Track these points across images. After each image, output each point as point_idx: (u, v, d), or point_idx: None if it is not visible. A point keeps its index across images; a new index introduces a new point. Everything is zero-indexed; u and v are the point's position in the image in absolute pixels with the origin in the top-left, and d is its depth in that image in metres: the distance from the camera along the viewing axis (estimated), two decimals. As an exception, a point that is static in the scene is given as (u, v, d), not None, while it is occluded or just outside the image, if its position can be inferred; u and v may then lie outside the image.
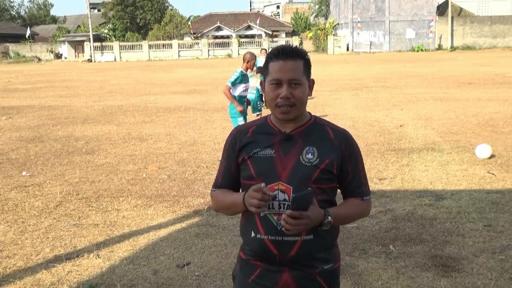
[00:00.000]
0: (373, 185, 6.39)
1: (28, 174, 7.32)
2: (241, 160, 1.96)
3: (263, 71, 1.99)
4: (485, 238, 4.60)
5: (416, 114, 11.86)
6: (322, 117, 2.08)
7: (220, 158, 2.12)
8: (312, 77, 1.99)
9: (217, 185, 2.08)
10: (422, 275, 3.92)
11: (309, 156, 1.89)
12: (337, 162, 1.92)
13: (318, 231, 1.87)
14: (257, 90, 9.45)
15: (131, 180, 6.93)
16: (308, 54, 2.00)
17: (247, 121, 2.20)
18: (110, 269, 4.19)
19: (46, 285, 3.94)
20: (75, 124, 11.87)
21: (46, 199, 6.13)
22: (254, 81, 9.52)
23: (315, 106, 13.97)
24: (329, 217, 1.85)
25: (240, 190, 2.04)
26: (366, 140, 9.08)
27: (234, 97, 7.75)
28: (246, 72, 7.98)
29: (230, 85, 7.72)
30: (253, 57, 7.95)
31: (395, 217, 5.17)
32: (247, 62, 7.87)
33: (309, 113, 2.00)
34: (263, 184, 1.79)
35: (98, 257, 4.43)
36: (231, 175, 2.02)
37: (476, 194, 5.85)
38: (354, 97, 15.76)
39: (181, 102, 15.84)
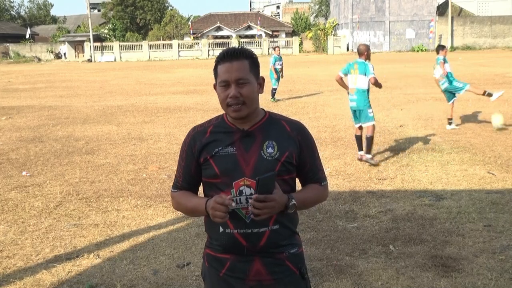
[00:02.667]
0: (373, 185, 6.39)
1: (28, 174, 7.32)
2: (203, 160, 2.01)
3: (214, 75, 2.05)
4: (485, 238, 4.60)
5: (416, 114, 11.86)
6: (276, 112, 2.15)
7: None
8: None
9: (177, 186, 2.13)
10: (422, 275, 3.92)
11: (270, 150, 1.97)
12: (295, 153, 2.01)
13: (282, 219, 1.97)
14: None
15: (131, 180, 6.93)
16: (255, 53, 2.06)
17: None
18: (110, 269, 4.19)
19: (46, 285, 3.94)
20: (75, 124, 11.87)
21: (46, 199, 6.13)
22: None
23: (315, 106, 13.98)
24: (293, 200, 1.95)
25: (202, 188, 2.11)
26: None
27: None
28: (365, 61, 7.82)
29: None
30: (367, 48, 7.98)
31: (395, 217, 5.17)
32: (364, 54, 7.83)
33: (263, 109, 2.08)
34: (229, 197, 1.88)
35: (98, 257, 4.43)
36: (191, 175, 2.07)
37: (476, 194, 5.85)
38: (354, 97, 15.73)
39: (181, 102, 15.85)
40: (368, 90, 7.55)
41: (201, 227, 5.06)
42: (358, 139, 7.53)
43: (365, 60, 7.61)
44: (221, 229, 1.99)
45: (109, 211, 5.67)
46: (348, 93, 7.72)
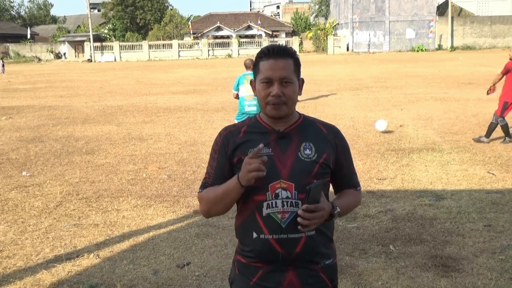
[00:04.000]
0: (373, 185, 6.39)
1: (28, 174, 7.32)
2: (237, 161, 1.92)
3: (253, 70, 1.98)
4: (485, 238, 4.60)
5: (416, 114, 11.86)
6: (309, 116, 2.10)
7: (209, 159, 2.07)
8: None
9: (205, 187, 1.99)
10: (422, 275, 3.92)
11: (307, 151, 1.90)
12: (333, 156, 1.95)
13: (319, 225, 1.87)
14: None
15: (131, 180, 6.93)
16: (298, 54, 2.00)
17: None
18: (110, 269, 4.19)
19: (46, 285, 3.94)
20: (75, 124, 11.87)
21: (46, 199, 6.13)
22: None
23: (315, 106, 13.98)
24: (337, 208, 1.88)
25: None
26: (366, 140, 9.08)
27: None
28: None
29: (234, 91, 8.09)
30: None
31: (395, 217, 5.17)
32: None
33: (297, 112, 2.02)
34: (261, 145, 1.78)
35: (98, 257, 4.43)
36: (224, 176, 1.95)
37: (476, 194, 5.85)
38: (354, 97, 15.75)
39: (181, 102, 15.84)
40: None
41: (201, 227, 5.06)
42: None
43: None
44: (254, 235, 1.89)
45: (109, 211, 5.67)
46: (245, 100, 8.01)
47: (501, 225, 4.89)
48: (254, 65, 1.97)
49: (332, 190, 2.09)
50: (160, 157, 8.24)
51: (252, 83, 2.00)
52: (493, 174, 6.67)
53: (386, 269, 4.03)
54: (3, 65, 34.26)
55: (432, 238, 4.62)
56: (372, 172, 6.98)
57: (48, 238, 4.91)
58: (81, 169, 7.57)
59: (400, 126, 10.41)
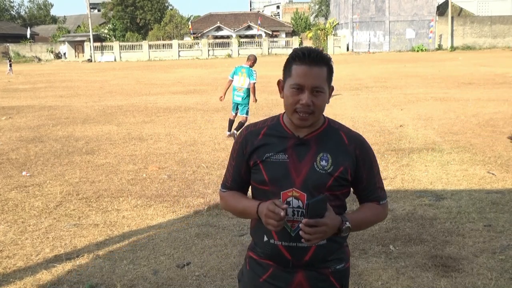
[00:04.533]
0: (373, 185, 6.38)
1: (28, 174, 7.32)
2: (253, 164, 1.90)
3: (283, 70, 1.90)
4: (485, 238, 4.60)
5: (416, 114, 11.86)
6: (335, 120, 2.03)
7: (229, 157, 2.06)
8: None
9: (226, 186, 2.02)
10: (422, 275, 3.92)
11: (323, 163, 1.84)
12: (351, 169, 1.88)
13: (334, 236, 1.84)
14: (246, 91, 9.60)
15: (131, 180, 6.93)
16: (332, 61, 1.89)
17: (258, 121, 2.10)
18: (110, 269, 4.19)
19: (46, 285, 3.94)
20: (75, 124, 11.87)
21: (46, 199, 6.13)
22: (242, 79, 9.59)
23: (315, 106, 13.96)
24: (347, 223, 1.82)
25: (251, 193, 1.99)
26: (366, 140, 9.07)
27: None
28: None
29: (230, 77, 9.69)
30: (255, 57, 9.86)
31: (395, 217, 5.17)
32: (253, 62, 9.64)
33: (323, 116, 1.93)
34: (286, 206, 1.75)
35: (98, 257, 4.43)
36: (241, 176, 1.96)
37: (476, 194, 5.85)
38: (354, 97, 15.76)
39: (181, 102, 15.85)
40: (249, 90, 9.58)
41: (201, 227, 5.06)
42: (231, 123, 9.62)
43: (250, 67, 9.55)
44: (265, 238, 1.88)
45: (109, 211, 5.67)
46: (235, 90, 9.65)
47: (501, 225, 4.89)
48: (285, 66, 1.87)
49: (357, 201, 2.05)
50: (160, 157, 8.24)
51: (280, 83, 1.92)
52: (493, 174, 6.67)
53: (386, 269, 4.03)
54: (10, 65, 34.71)
55: (432, 238, 4.62)
56: (372, 172, 6.97)
57: (48, 238, 4.91)
58: (81, 169, 7.57)
59: (400, 126, 10.41)
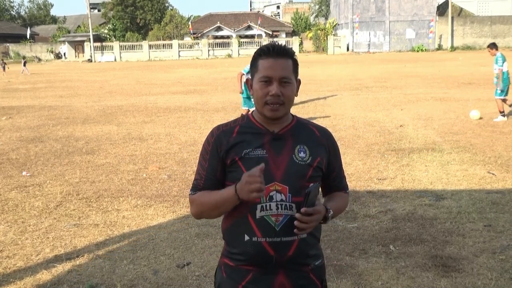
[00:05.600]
0: (373, 185, 6.39)
1: (28, 174, 7.32)
2: (230, 162, 1.88)
3: (250, 68, 1.95)
4: (485, 238, 4.59)
5: (416, 114, 11.86)
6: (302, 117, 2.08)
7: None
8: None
9: (198, 188, 1.95)
10: (422, 275, 3.92)
11: (302, 154, 1.89)
12: (326, 159, 1.96)
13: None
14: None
15: (131, 180, 6.93)
16: (296, 54, 1.98)
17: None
18: (110, 269, 4.19)
19: (46, 285, 3.94)
20: (75, 124, 11.87)
21: (46, 199, 6.13)
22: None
23: (315, 106, 13.98)
24: (331, 211, 1.89)
25: None
26: (366, 140, 9.08)
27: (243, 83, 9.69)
28: None
29: (243, 72, 9.75)
30: None
31: (395, 217, 5.17)
32: None
33: (290, 113, 2.00)
34: (262, 165, 1.74)
35: (98, 257, 4.43)
36: (216, 178, 1.92)
37: (476, 194, 5.85)
38: (354, 97, 15.75)
39: (181, 102, 15.84)
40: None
41: (201, 227, 5.05)
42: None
43: None
44: (246, 237, 1.85)
45: (109, 211, 5.67)
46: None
47: (501, 225, 4.89)
48: (251, 63, 1.93)
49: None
50: (160, 157, 8.24)
51: (249, 81, 1.97)
52: (493, 174, 6.67)
53: (386, 269, 4.03)
54: (25, 63, 35.45)
55: (432, 238, 4.62)
56: (372, 172, 6.98)
57: (48, 238, 4.91)
58: (81, 169, 7.57)
59: (400, 126, 10.41)
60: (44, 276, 4.08)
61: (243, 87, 10.06)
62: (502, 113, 10.68)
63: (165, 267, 4.20)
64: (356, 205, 5.62)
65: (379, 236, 4.70)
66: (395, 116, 11.70)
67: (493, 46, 11.01)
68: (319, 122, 11.33)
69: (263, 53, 1.88)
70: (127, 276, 4.05)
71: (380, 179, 6.61)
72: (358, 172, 6.98)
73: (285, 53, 1.88)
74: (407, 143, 8.73)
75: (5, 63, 34.86)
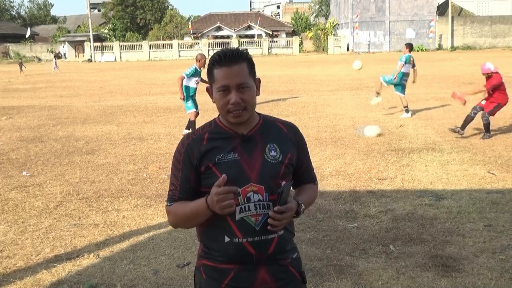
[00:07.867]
0: (373, 185, 6.39)
1: (28, 174, 7.32)
2: (204, 169, 1.89)
3: (208, 78, 1.95)
4: (486, 238, 4.60)
5: (416, 114, 11.87)
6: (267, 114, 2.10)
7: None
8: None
9: (173, 199, 1.98)
10: (422, 275, 3.92)
11: (273, 153, 1.93)
12: (295, 154, 2.00)
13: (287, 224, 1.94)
14: None
15: (131, 180, 6.93)
16: (250, 53, 1.97)
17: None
18: (110, 269, 4.19)
19: (46, 285, 3.94)
20: (75, 124, 11.87)
21: (46, 199, 6.13)
22: None
23: (315, 106, 13.98)
24: (302, 205, 1.94)
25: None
26: (366, 140, 9.08)
27: (183, 86, 9.70)
28: (200, 69, 9.75)
29: (184, 75, 9.66)
30: (203, 56, 9.95)
31: (395, 217, 5.17)
32: (199, 61, 9.82)
33: (256, 112, 2.01)
34: (224, 176, 1.76)
35: (98, 257, 4.43)
36: (191, 186, 1.94)
37: (476, 194, 5.85)
38: (354, 97, 15.75)
39: (181, 102, 15.79)
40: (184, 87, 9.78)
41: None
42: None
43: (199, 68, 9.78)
44: (226, 239, 1.88)
45: (109, 211, 5.67)
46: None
47: (501, 225, 4.89)
48: (207, 73, 1.93)
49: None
50: (160, 157, 8.24)
51: (209, 90, 1.96)
52: (493, 174, 6.67)
53: (386, 269, 4.03)
54: (56, 63, 36.74)
55: (432, 238, 4.62)
56: (372, 172, 6.98)
57: (48, 238, 4.91)
58: (81, 169, 7.58)
59: (400, 126, 10.41)
60: (44, 276, 4.08)
61: (184, 91, 9.72)
62: (405, 108, 11.58)
63: (165, 267, 4.20)
64: (356, 205, 5.62)
65: (379, 236, 4.70)
66: (395, 116, 11.70)
67: (408, 46, 12.83)
68: (320, 122, 11.33)
69: (216, 62, 1.87)
70: (127, 276, 4.05)
71: (380, 179, 6.61)
72: (358, 172, 6.98)
73: (238, 58, 1.87)
74: (407, 143, 8.73)
75: (22, 63, 35.01)
